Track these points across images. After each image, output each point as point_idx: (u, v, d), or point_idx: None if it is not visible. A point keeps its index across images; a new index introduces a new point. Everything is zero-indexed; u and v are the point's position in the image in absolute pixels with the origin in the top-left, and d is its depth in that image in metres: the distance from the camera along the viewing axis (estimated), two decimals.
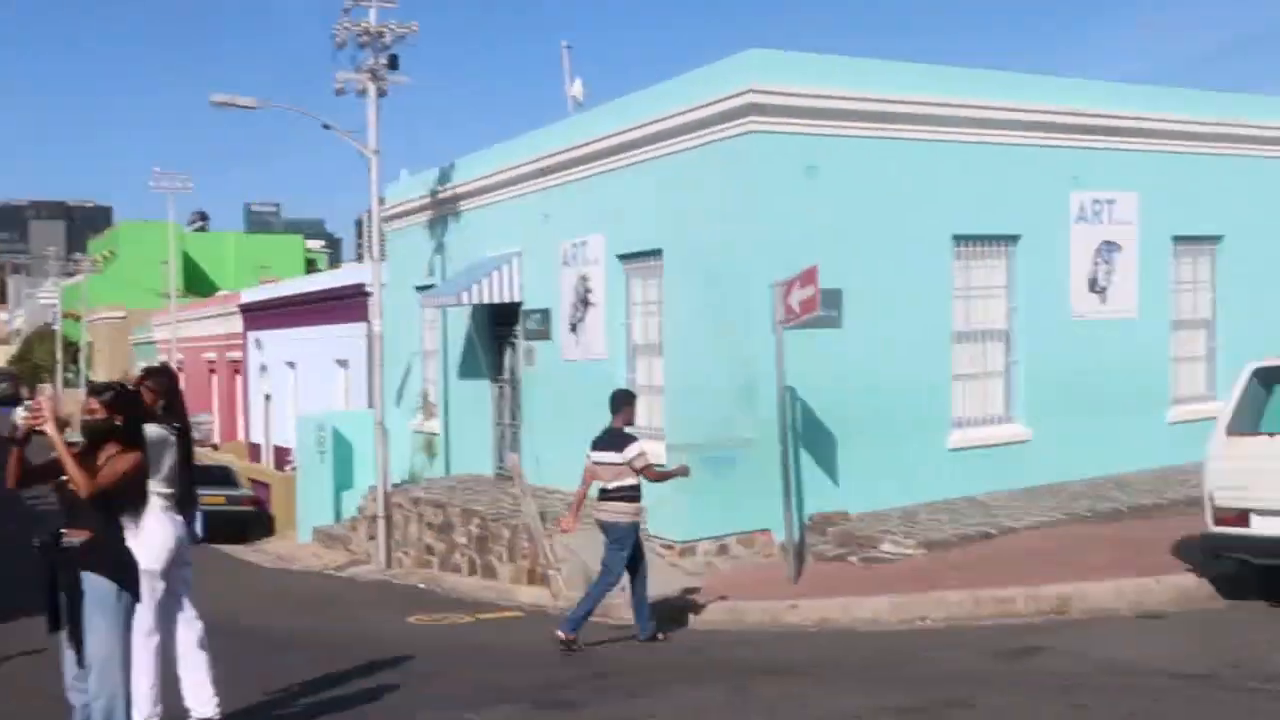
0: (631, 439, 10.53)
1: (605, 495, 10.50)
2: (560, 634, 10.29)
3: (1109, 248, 16.31)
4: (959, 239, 15.12)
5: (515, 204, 19.07)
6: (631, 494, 10.37)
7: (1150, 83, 17.58)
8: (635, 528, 10.49)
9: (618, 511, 10.33)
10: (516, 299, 18.99)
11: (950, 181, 14.88)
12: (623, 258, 16.41)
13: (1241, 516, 10.30)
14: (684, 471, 10.79)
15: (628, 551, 10.39)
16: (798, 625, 10.86)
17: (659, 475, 10.83)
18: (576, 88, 20.80)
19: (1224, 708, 7.23)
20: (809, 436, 13.93)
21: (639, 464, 10.38)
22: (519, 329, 19.19)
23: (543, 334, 18.33)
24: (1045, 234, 15.74)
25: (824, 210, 13.95)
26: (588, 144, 16.55)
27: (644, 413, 16.13)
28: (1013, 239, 15.58)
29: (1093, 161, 16.05)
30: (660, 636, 10.59)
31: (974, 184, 15.06)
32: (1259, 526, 10.16)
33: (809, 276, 11.71)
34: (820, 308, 11.89)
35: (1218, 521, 10.54)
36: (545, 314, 18.27)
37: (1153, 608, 10.33)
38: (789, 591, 11.65)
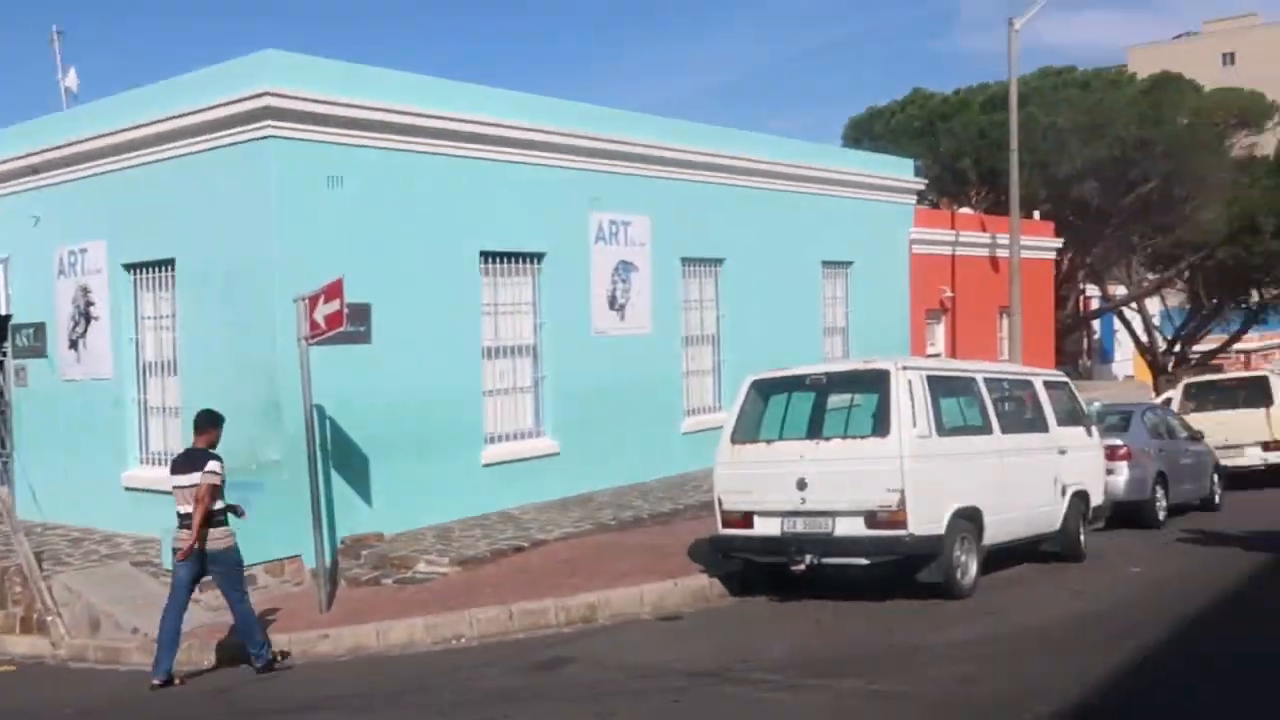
0: (211, 458, 9.84)
1: (185, 521, 9.76)
2: (256, 668, 9.79)
3: (626, 267, 17.18)
4: (487, 255, 15.26)
5: (0, 204, 16.96)
6: (222, 517, 9.86)
7: (665, 114, 18.82)
8: (231, 552, 9.94)
9: (217, 538, 9.79)
10: (3, 312, 16.91)
11: (477, 198, 14.99)
12: (129, 267, 15.04)
13: (746, 519, 11.16)
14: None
15: (231, 574, 9.91)
16: (330, 655, 10.40)
17: (206, 508, 9.81)
18: (71, 78, 18.89)
19: (734, 701, 7.71)
20: (340, 456, 13.45)
21: (207, 481, 9.66)
22: (7, 345, 17.08)
23: (37, 351, 16.43)
24: (568, 253, 16.28)
25: (350, 222, 13.54)
26: (86, 141, 15.01)
27: (158, 436, 14.93)
28: (538, 257, 15.97)
29: (610, 184, 16.83)
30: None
31: (500, 201, 15.27)
32: (761, 527, 11.05)
33: (334, 290, 11.30)
34: (347, 323, 11.50)
35: (725, 524, 11.36)
36: (39, 328, 16.39)
37: (671, 609, 10.90)
38: (320, 620, 11.14)
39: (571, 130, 16.12)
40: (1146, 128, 31.81)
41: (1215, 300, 43.03)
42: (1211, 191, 34.18)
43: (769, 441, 11.23)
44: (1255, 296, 43.08)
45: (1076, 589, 11.28)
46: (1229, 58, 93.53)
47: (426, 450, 14.21)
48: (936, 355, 24.24)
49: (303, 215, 13.18)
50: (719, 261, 19.03)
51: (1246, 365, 47.58)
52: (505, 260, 15.57)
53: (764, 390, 11.68)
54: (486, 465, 15.12)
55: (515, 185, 15.43)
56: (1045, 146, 29.99)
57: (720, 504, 11.36)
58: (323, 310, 11.34)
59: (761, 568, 11.39)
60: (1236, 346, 49.26)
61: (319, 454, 12.14)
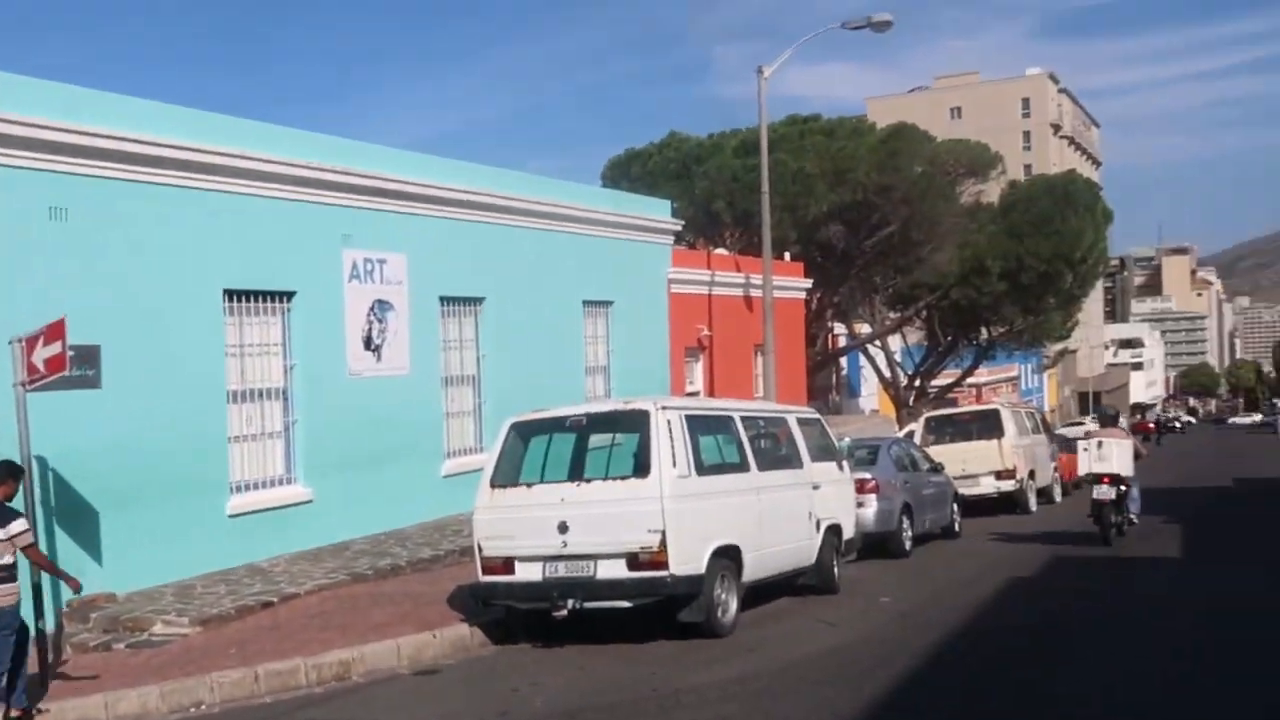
0: (16, 514, 9.29)
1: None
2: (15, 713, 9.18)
3: (382, 306, 16.68)
4: (231, 294, 14.48)
5: None
6: (10, 574, 9.18)
7: (429, 151, 18.43)
8: (17, 611, 9.26)
9: (5, 594, 9.13)
10: None
11: (220, 233, 14.21)
12: None
13: (507, 565, 10.89)
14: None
15: (14, 636, 9.23)
16: None
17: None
18: None
19: None
20: (66, 511, 12.39)
21: (23, 541, 9.25)
22: None
23: None
24: (320, 291, 15.66)
25: (76, 257, 12.55)
26: None
27: None
28: (287, 295, 15.28)
29: (364, 221, 16.34)
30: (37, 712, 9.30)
31: (246, 237, 14.54)
32: (522, 573, 10.81)
33: (55, 331, 10.39)
34: (72, 366, 10.59)
35: (486, 570, 11.05)
36: None
37: (430, 662, 10.49)
38: (39, 695, 10.15)
39: (322, 165, 15.56)
40: (886, 174, 33.53)
41: (950, 337, 45.80)
42: (945, 236, 36.36)
43: (529, 485, 11.02)
44: (985, 334, 46.09)
45: (831, 622, 11.53)
46: (956, 111, 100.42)
47: (165, 502, 13.28)
48: (696, 393, 24.65)
49: (20, 249, 12.13)
50: (479, 301, 18.76)
51: (978, 399, 50.74)
52: (251, 299, 14.81)
53: (524, 432, 11.47)
54: (232, 516, 14.27)
55: (262, 220, 14.74)
56: (794, 190, 31.15)
57: (480, 550, 11.06)
58: (42, 353, 10.41)
59: (524, 614, 11.13)
60: (969, 381, 52.55)
61: (40, 509, 11.12)
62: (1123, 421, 23.05)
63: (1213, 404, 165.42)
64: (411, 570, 14.30)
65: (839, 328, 43.38)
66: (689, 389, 24.82)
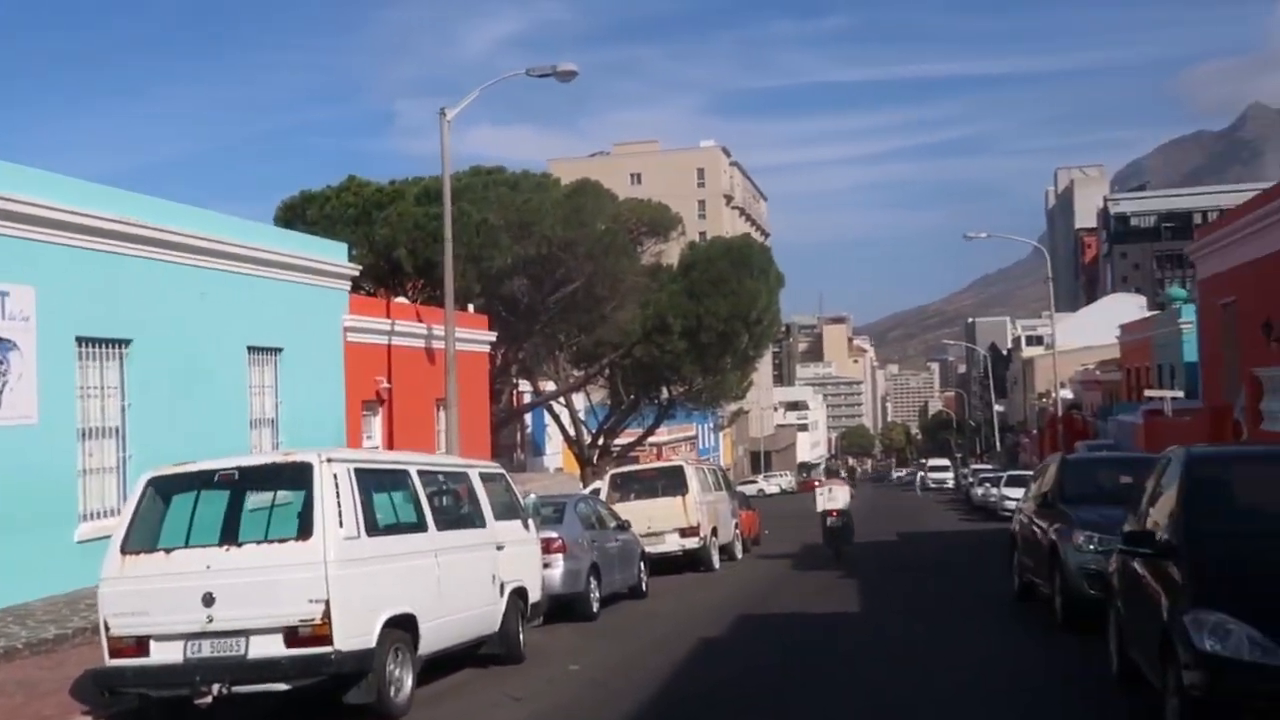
0: None
1: None
2: None
3: (4, 346, 14.46)
4: None
5: None
6: None
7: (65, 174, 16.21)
8: None
9: None
10: None
11: None
12: None
13: (140, 645, 9.30)
14: None
15: None
16: None
17: None
18: None
19: None
20: None
21: None
22: None
23: None
24: None
25: None
26: None
27: None
28: None
29: None
30: None
31: None
32: (158, 654, 9.24)
33: None
34: None
35: (114, 653, 9.41)
36: None
37: None
38: None
39: None
40: (570, 229, 33.39)
41: (633, 396, 46.25)
42: (627, 293, 36.64)
43: (168, 550, 9.47)
44: (666, 393, 46.87)
45: (517, 695, 10.59)
46: (636, 177, 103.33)
47: None
48: (375, 448, 23.20)
49: None
50: (125, 343, 16.71)
51: (659, 457, 51.48)
52: None
53: (164, 489, 9.91)
54: None
55: None
56: (478, 241, 30.36)
57: (107, 629, 9.40)
58: None
59: (161, 704, 9.53)
60: (650, 440, 53.33)
61: None
62: (843, 473, 29.77)
63: (869, 463, 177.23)
64: (31, 653, 12.30)
65: (524, 384, 42.85)
66: (367, 443, 23.34)
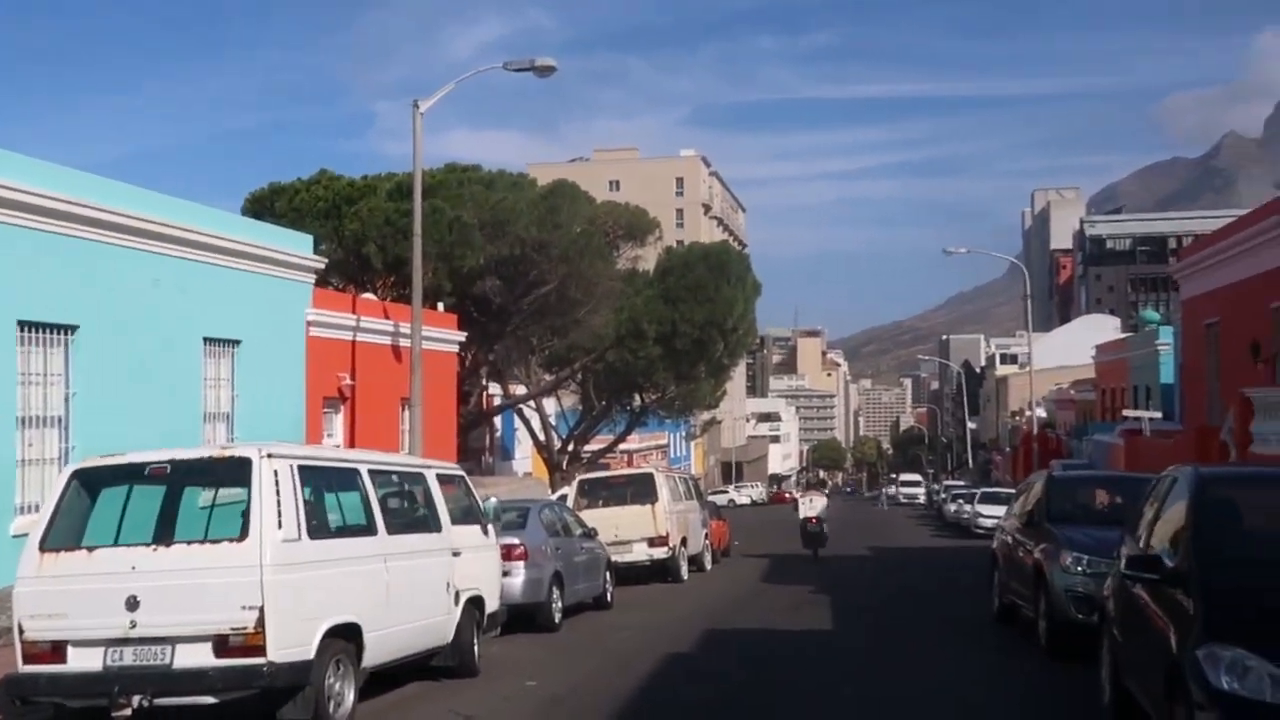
0: None
1: None
2: None
3: None
4: None
5: None
6: None
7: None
8: None
9: None
10: None
11: None
12: None
13: (57, 650, 8.54)
14: None
15: None
16: None
17: None
18: None
19: None
20: None
21: None
22: None
23: None
24: None
25: None
26: None
27: None
28: None
29: None
30: None
31: None
32: (76, 661, 8.49)
33: None
34: None
35: (28, 658, 8.65)
36: None
37: None
38: None
39: None
40: (546, 230, 32.69)
41: (604, 402, 45.52)
42: (602, 297, 35.94)
43: (90, 549, 8.72)
44: (638, 400, 46.20)
45: (468, 712, 9.88)
46: (615, 184, 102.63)
47: None
48: (336, 446, 22.40)
49: None
50: (71, 329, 15.91)
51: (629, 464, 50.78)
52: None
53: (90, 482, 9.16)
54: None
55: None
56: (450, 239, 29.59)
57: (21, 631, 8.64)
58: None
59: (77, 714, 8.78)
60: (621, 447, 52.63)
61: None
62: (827, 487, 32.96)
63: (839, 476, 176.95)
64: None
65: (494, 387, 42.06)
66: (328, 441, 22.54)
